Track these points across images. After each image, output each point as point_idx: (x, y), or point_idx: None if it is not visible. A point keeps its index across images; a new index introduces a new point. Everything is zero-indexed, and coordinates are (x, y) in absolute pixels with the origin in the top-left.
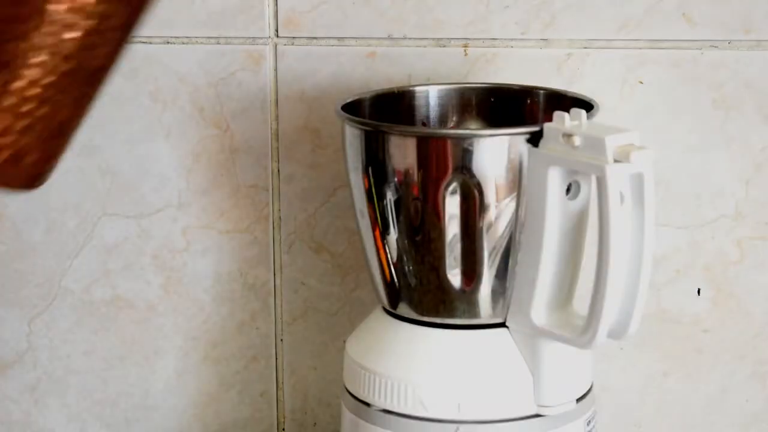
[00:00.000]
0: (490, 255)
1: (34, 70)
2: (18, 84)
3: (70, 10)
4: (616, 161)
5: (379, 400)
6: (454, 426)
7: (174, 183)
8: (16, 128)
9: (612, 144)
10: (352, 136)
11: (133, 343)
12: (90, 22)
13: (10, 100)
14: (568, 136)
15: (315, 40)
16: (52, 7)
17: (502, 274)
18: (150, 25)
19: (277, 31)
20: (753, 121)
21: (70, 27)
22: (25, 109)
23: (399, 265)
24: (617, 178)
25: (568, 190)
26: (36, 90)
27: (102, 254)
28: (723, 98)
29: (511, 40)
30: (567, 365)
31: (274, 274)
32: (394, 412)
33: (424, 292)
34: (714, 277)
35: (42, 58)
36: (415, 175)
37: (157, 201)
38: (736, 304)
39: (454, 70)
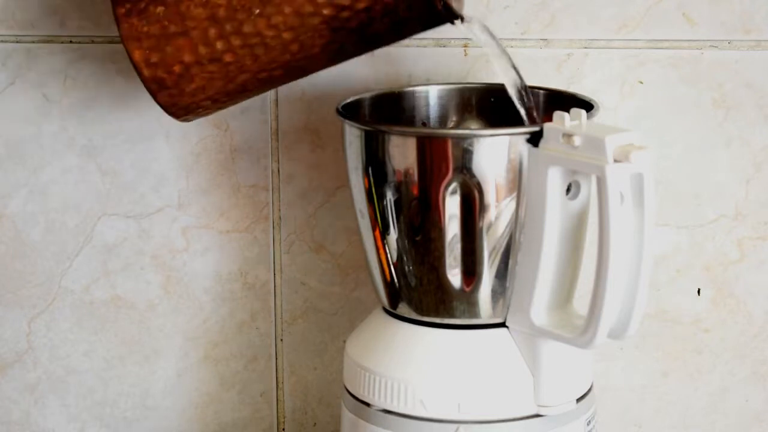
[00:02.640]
0: (490, 255)
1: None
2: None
3: None
4: (616, 161)
5: (379, 400)
6: (454, 426)
7: (174, 183)
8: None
9: (612, 144)
10: (352, 136)
11: (133, 343)
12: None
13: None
14: (568, 136)
15: None
16: None
17: (502, 274)
18: None
19: None
20: (753, 120)
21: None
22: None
23: (399, 265)
24: (617, 178)
25: (568, 190)
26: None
27: (102, 254)
28: (723, 98)
29: (511, 40)
30: (567, 365)
31: (274, 274)
32: (394, 412)
33: (424, 292)
34: (714, 277)
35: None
36: (415, 175)
37: (157, 201)
38: (736, 304)
39: (454, 70)
